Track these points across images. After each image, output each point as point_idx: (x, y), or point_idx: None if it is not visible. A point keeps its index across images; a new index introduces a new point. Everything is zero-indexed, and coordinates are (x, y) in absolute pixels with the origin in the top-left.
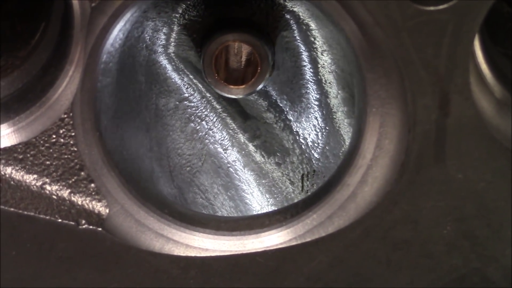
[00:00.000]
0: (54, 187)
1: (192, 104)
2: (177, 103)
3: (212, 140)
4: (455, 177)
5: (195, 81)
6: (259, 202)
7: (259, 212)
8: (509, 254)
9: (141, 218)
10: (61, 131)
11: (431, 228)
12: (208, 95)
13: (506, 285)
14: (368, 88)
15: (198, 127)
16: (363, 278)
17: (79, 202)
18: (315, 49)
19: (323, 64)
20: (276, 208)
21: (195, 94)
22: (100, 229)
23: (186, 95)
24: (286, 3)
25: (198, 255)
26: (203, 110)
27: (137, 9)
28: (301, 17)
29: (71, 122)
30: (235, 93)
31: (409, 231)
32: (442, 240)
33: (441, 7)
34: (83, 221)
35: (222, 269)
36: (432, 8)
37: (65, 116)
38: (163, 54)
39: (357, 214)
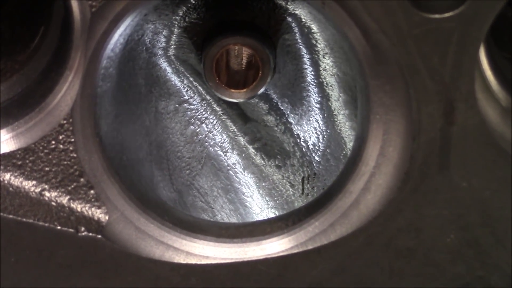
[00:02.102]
0: (53, 194)
1: (192, 106)
2: (177, 105)
3: (212, 143)
4: (460, 186)
5: (195, 83)
6: (259, 205)
7: (260, 219)
8: None
9: (141, 225)
10: (60, 137)
11: (435, 236)
12: (208, 97)
13: None
14: (371, 94)
15: (198, 130)
16: (366, 286)
17: (79, 209)
18: (316, 52)
19: (325, 67)
20: (276, 212)
21: (195, 97)
22: (99, 236)
23: (186, 97)
24: (288, 6)
25: (199, 262)
26: (203, 113)
27: (137, 14)
28: (303, 20)
29: (71, 128)
30: (236, 97)
31: (413, 239)
32: (446, 248)
33: (447, 15)
34: (83, 228)
35: (223, 276)
36: (438, 16)
37: (65, 122)
38: (163, 57)
39: (360, 222)
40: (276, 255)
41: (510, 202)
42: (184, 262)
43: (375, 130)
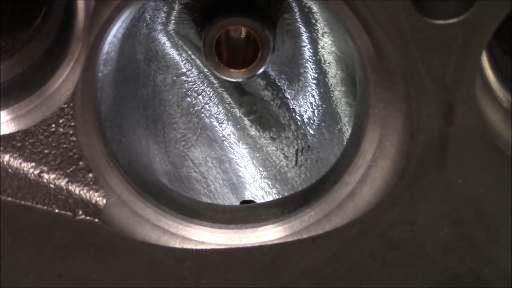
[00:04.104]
0: (52, 176)
1: (190, 79)
2: (175, 78)
3: (208, 114)
4: (455, 182)
5: (193, 56)
6: (252, 175)
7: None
8: (505, 256)
9: (138, 209)
10: (60, 121)
11: (428, 229)
12: (205, 70)
13: (501, 285)
14: (371, 88)
15: (194, 102)
16: (358, 274)
17: (77, 192)
18: (316, 31)
19: (323, 45)
20: (269, 182)
21: (193, 70)
22: (96, 220)
23: (184, 70)
24: None
25: (194, 247)
26: (200, 85)
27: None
28: (304, 0)
29: (71, 112)
30: (235, 76)
31: (407, 232)
32: (438, 241)
33: (451, 21)
34: (80, 212)
35: (217, 261)
36: (441, 21)
37: (66, 106)
38: (163, 32)
39: (355, 214)
40: (271, 242)
41: (505, 199)
42: (180, 246)
43: (373, 124)
